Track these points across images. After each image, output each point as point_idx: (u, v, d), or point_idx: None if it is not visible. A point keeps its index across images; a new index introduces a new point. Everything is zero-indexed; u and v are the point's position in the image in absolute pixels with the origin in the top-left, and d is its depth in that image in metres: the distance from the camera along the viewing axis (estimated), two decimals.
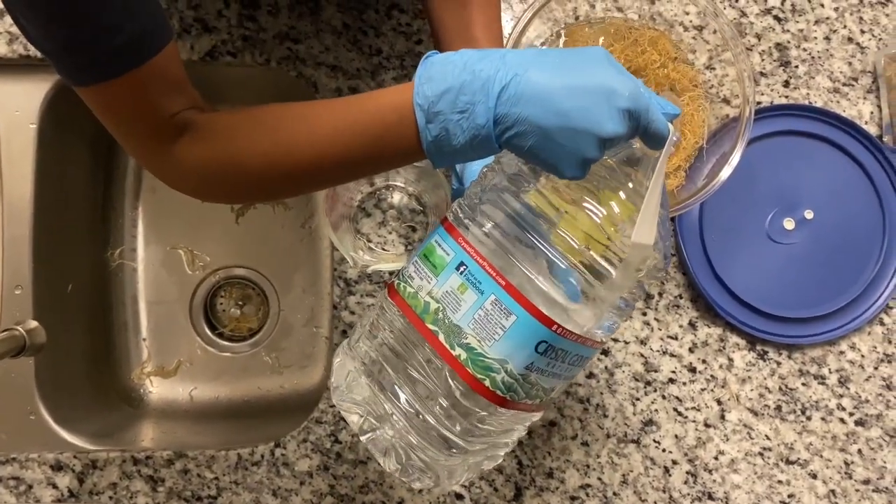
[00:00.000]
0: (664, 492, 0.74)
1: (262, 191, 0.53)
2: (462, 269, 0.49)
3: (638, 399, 0.75)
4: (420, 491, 0.73)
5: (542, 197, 0.50)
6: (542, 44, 0.76)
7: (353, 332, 0.56)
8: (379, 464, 0.70)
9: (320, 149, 0.48)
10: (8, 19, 0.76)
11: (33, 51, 0.76)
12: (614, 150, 0.49)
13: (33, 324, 0.65)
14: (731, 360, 0.76)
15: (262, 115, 0.51)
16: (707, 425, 0.75)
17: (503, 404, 0.50)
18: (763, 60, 0.80)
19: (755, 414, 0.75)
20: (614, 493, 0.74)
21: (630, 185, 0.50)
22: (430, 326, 0.49)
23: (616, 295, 0.51)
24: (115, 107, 0.48)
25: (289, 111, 0.50)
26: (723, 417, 0.75)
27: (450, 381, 0.49)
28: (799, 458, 0.75)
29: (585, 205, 0.49)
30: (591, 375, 0.75)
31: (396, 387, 0.51)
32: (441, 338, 0.49)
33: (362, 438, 0.52)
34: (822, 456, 0.75)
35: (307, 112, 0.50)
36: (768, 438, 0.75)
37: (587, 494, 0.74)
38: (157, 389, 0.88)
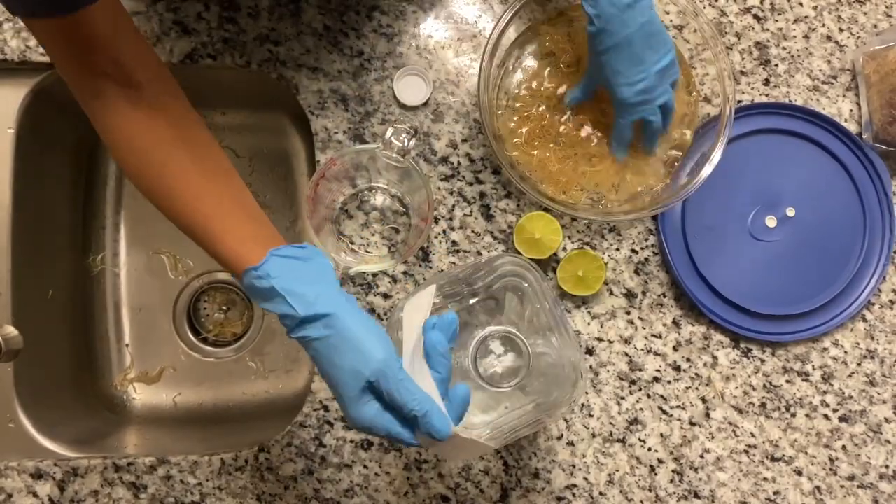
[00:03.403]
0: (650, 490, 0.74)
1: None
2: None
3: (623, 398, 0.75)
4: (406, 494, 0.73)
5: None
6: (519, 37, 0.77)
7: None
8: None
9: (177, 221, 0.55)
10: None
11: (10, 54, 0.75)
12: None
13: (10, 330, 0.64)
14: (715, 358, 0.76)
15: (163, 166, 0.54)
16: (692, 423, 0.75)
17: None
18: (743, 59, 0.80)
19: (740, 412, 0.76)
20: (600, 493, 0.73)
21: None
22: None
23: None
24: (54, 44, 0.51)
25: (179, 192, 0.54)
26: (708, 415, 0.75)
27: None
28: (784, 455, 0.75)
29: None
30: None
31: None
32: None
33: None
34: (806, 452, 0.75)
35: (186, 205, 0.54)
36: (753, 436, 0.75)
37: (573, 495, 0.73)
38: (140, 396, 0.87)
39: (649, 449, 0.74)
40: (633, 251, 0.77)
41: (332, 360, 0.49)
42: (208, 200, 0.54)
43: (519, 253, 0.74)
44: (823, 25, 0.81)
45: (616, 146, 0.73)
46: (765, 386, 0.76)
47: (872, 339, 0.77)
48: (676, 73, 0.70)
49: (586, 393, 0.75)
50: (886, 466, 0.76)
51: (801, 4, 0.81)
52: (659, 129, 0.71)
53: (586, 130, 0.76)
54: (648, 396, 0.75)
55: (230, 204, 0.55)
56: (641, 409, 0.75)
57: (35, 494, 0.72)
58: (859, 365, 0.77)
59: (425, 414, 0.48)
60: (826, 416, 0.76)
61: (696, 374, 0.76)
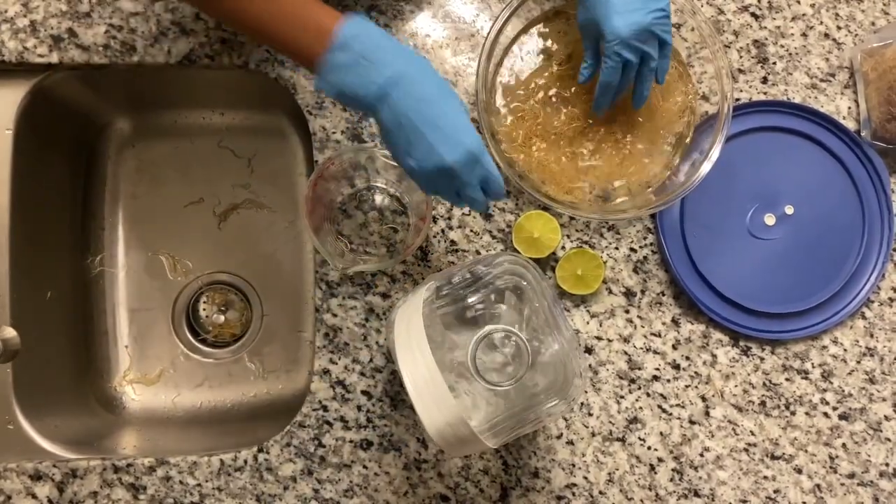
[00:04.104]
0: (650, 489, 0.74)
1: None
2: None
3: (622, 397, 0.75)
4: (405, 493, 0.72)
5: None
6: (516, 36, 0.77)
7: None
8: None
9: (249, 17, 0.57)
10: None
11: (7, 55, 0.75)
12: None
13: (9, 331, 0.64)
14: (714, 356, 0.76)
15: None
16: (692, 422, 0.75)
17: None
18: (741, 57, 0.80)
19: (739, 410, 0.75)
20: (600, 492, 0.73)
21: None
22: None
23: None
24: None
25: None
26: (707, 414, 0.75)
27: None
28: (784, 454, 0.75)
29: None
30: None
31: None
32: None
33: None
34: (806, 451, 0.75)
35: None
36: (753, 434, 0.75)
37: (573, 494, 0.73)
38: (139, 397, 0.87)
39: (649, 448, 0.74)
40: (632, 250, 0.77)
41: (438, 88, 0.55)
42: None
43: (518, 252, 0.74)
44: (821, 23, 0.81)
45: (599, 95, 0.70)
46: (764, 384, 0.76)
47: (872, 336, 0.77)
48: (667, 29, 0.67)
49: (585, 392, 0.75)
50: (886, 464, 0.76)
51: (798, 2, 0.81)
52: (652, 73, 0.69)
53: (584, 123, 0.76)
54: (648, 395, 0.75)
55: None
56: (641, 407, 0.75)
57: (34, 496, 0.71)
58: (859, 363, 0.77)
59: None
60: (826, 414, 0.76)
61: (695, 372, 0.76)
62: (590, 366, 0.75)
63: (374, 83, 0.54)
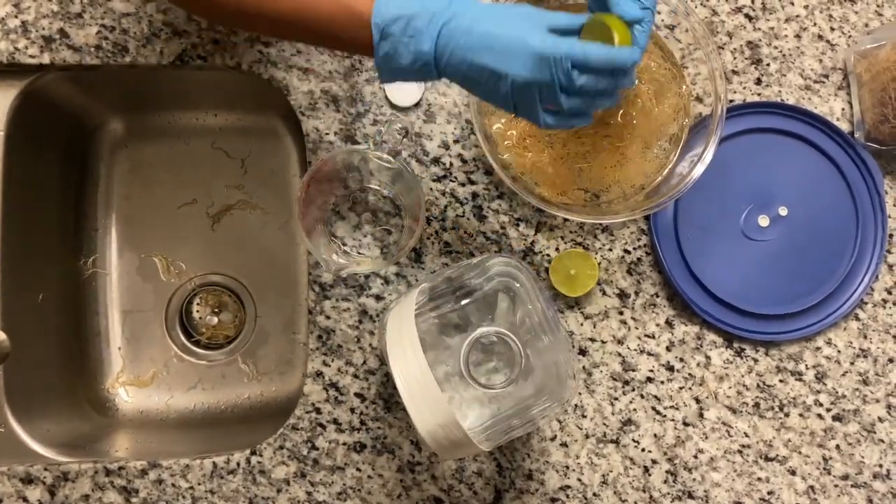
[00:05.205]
0: (644, 491, 0.74)
1: (210, 12, 0.57)
2: None
3: (616, 399, 0.75)
4: (399, 496, 0.72)
5: None
6: None
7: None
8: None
9: (281, 15, 0.54)
10: None
11: None
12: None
13: None
14: (708, 357, 0.76)
15: None
16: (686, 424, 0.75)
17: None
18: (735, 58, 0.80)
19: (733, 411, 0.75)
20: (594, 494, 0.73)
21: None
22: None
23: None
24: None
25: None
26: (701, 415, 0.75)
27: None
28: (778, 455, 0.75)
29: None
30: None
31: None
32: None
33: None
34: (800, 452, 0.75)
35: None
36: (747, 436, 0.75)
37: (567, 496, 0.73)
38: (132, 399, 0.87)
39: (643, 449, 0.74)
40: (626, 251, 0.77)
41: (477, 14, 0.51)
42: None
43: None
44: (815, 24, 0.81)
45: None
46: (758, 385, 0.76)
47: (865, 337, 0.77)
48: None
49: (580, 394, 0.74)
50: (880, 465, 0.76)
51: (792, 3, 0.81)
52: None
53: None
54: (642, 397, 0.75)
55: None
56: (635, 409, 0.75)
57: (25, 499, 0.71)
58: (852, 364, 0.77)
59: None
60: (819, 416, 0.76)
61: (689, 374, 0.76)
62: (583, 367, 0.75)
63: (424, 54, 0.51)
